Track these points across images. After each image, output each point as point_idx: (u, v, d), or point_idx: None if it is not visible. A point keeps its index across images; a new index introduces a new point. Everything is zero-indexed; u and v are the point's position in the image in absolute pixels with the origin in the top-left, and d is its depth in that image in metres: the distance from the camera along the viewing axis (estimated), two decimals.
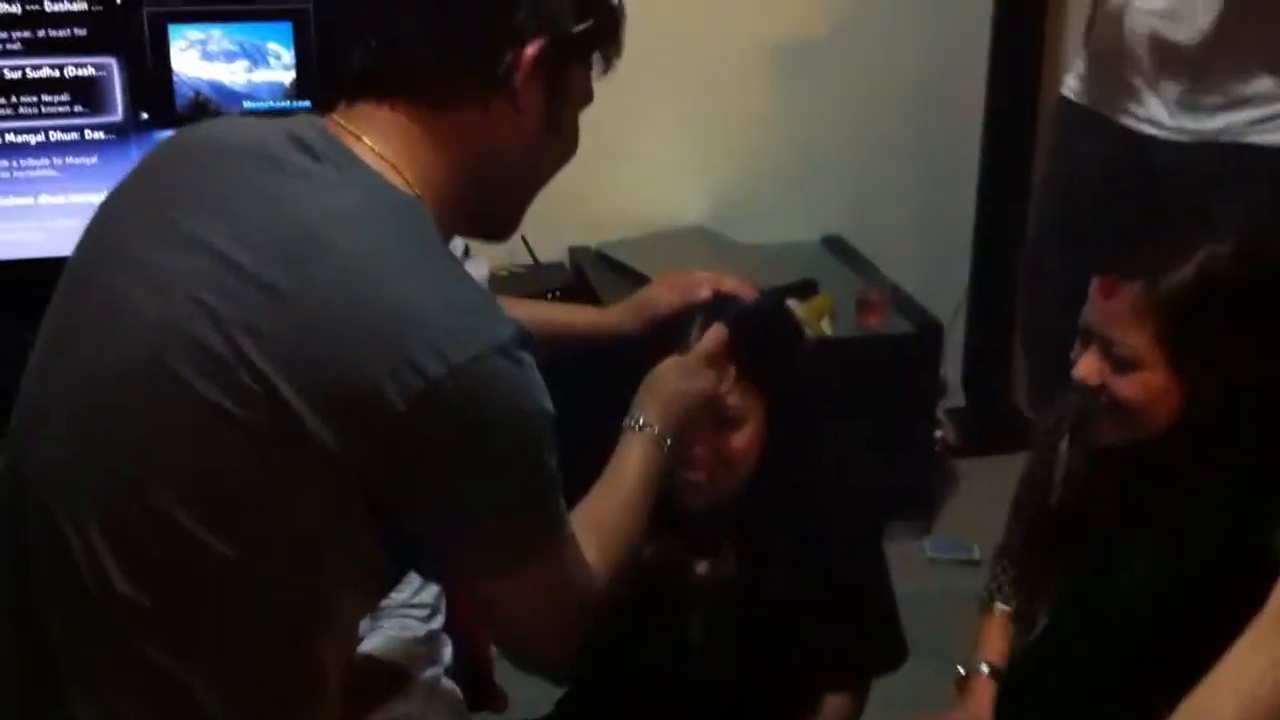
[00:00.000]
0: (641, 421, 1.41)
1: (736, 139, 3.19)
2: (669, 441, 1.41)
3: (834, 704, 1.67)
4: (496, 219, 1.28)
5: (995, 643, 1.79)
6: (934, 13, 3.17)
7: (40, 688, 1.14)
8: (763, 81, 3.15)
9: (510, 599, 1.18)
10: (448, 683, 1.77)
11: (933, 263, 3.28)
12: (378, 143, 1.16)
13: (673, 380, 1.45)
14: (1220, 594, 1.30)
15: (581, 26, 1.20)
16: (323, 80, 1.21)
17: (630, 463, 1.38)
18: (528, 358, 1.11)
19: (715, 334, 1.49)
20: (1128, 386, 1.51)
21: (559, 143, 1.24)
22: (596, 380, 1.51)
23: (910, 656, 1.74)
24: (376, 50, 1.18)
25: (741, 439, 1.53)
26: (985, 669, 1.76)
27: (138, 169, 1.25)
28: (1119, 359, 1.51)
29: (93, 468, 1.11)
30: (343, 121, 1.17)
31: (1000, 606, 1.81)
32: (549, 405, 1.13)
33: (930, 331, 2.86)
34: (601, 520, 1.30)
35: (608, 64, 1.26)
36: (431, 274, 1.10)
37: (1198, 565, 1.47)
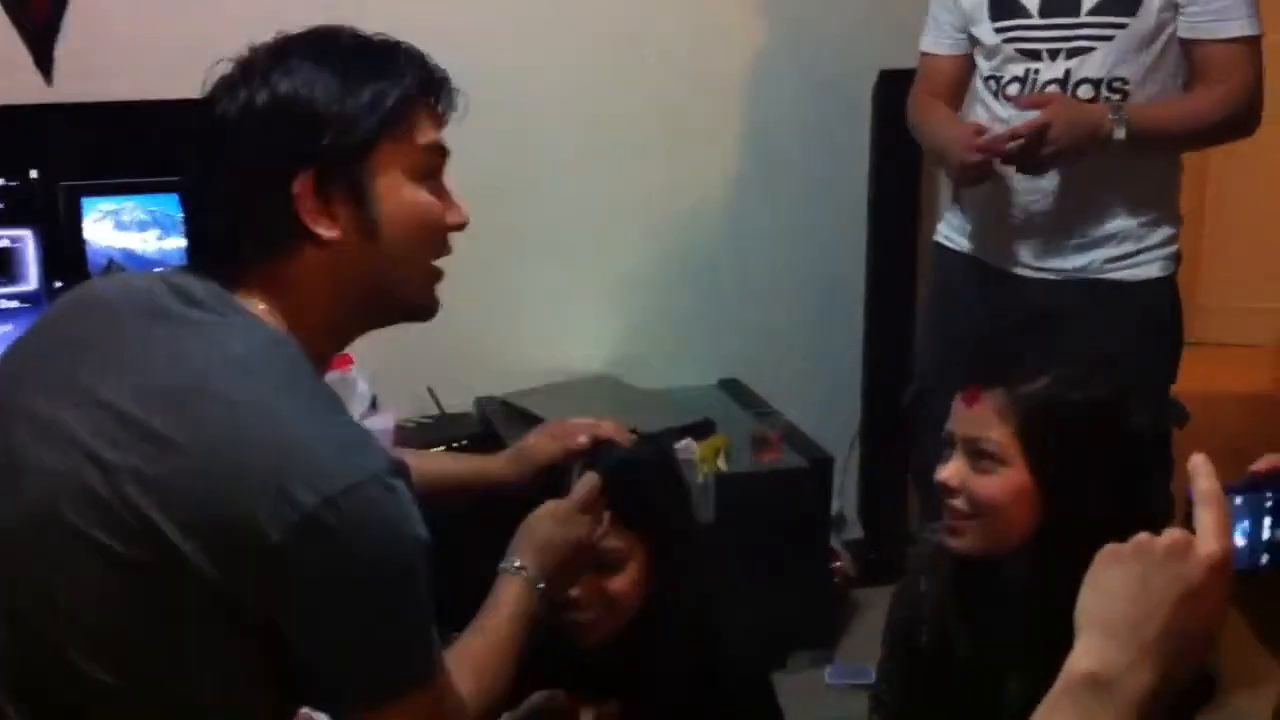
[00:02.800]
0: (517, 564, 1.45)
1: (638, 291, 3.30)
2: (542, 585, 1.44)
3: None
4: (404, 311, 1.30)
5: None
6: (817, 166, 3.33)
7: None
8: (658, 236, 3.28)
9: None
10: None
11: (826, 400, 3.39)
12: (241, 292, 1.21)
13: (548, 526, 1.49)
14: None
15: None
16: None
17: (504, 605, 1.41)
18: (401, 486, 1.14)
19: (588, 482, 1.54)
20: (989, 485, 1.60)
21: (416, 227, 1.24)
22: (476, 521, 1.54)
23: None
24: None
25: (622, 581, 1.58)
26: None
27: (36, 325, 1.30)
28: (982, 455, 1.60)
29: None
30: (210, 276, 1.22)
31: None
32: (424, 533, 1.15)
33: (822, 466, 2.95)
34: (474, 660, 1.32)
35: (439, 123, 1.25)
36: (309, 412, 1.14)
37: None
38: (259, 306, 1.21)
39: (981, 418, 1.62)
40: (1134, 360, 2.30)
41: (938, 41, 2.58)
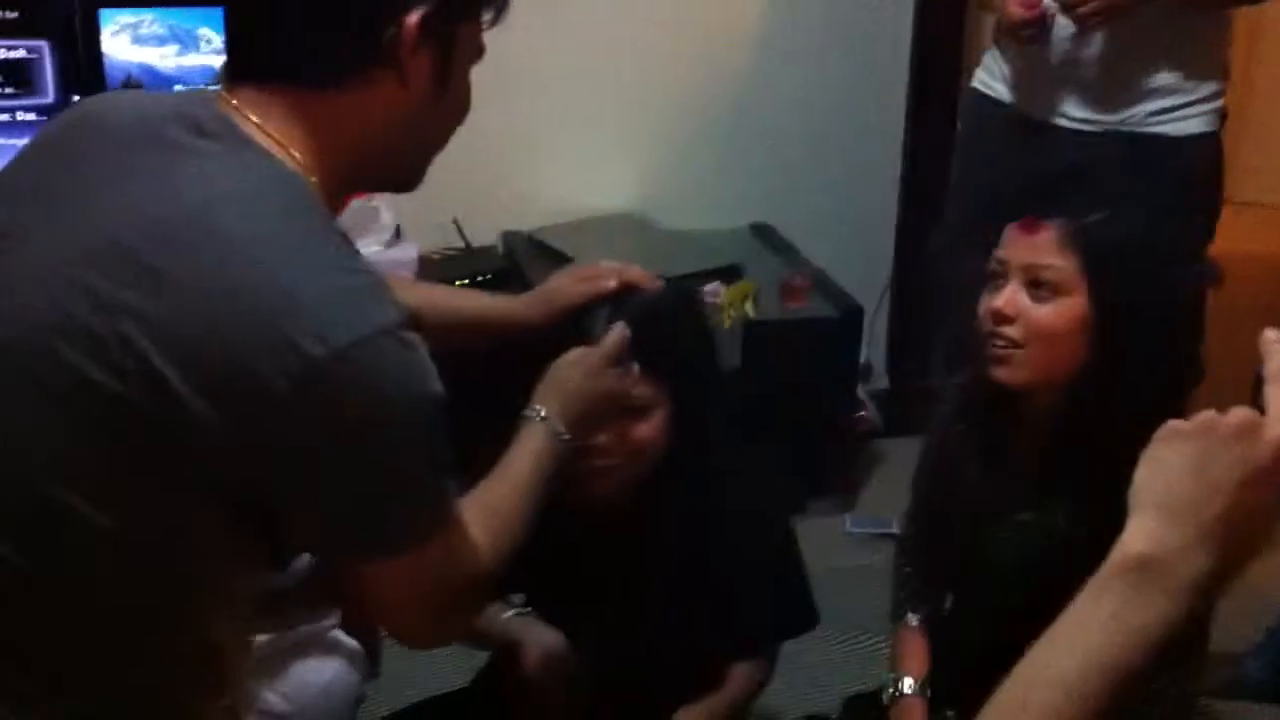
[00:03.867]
0: (542, 413, 1.41)
1: (666, 127, 3.22)
2: (566, 435, 1.41)
3: (741, 670, 1.71)
4: (397, 179, 1.28)
5: (914, 656, 1.78)
6: (860, 6, 3.23)
7: None
8: (692, 71, 3.19)
9: (394, 582, 1.16)
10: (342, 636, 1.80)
11: (858, 250, 3.33)
12: (266, 122, 1.14)
13: (575, 376, 1.45)
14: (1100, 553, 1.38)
15: None
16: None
17: (526, 452, 1.38)
18: (414, 339, 1.10)
19: (619, 334, 1.49)
20: (1047, 314, 1.56)
21: (450, 104, 1.22)
22: (500, 365, 1.50)
23: (829, 626, 1.79)
24: (259, 34, 1.16)
25: (647, 428, 1.55)
26: (909, 686, 1.74)
27: (36, 142, 1.23)
28: (1043, 283, 1.56)
29: None
30: (231, 99, 1.15)
31: (912, 617, 1.83)
32: (437, 387, 1.11)
33: (852, 315, 2.91)
34: (493, 506, 1.29)
35: (497, 16, 1.23)
36: (316, 256, 1.09)
37: (1083, 524, 1.54)
38: (278, 141, 1.14)
39: (1044, 246, 1.57)
40: (1172, 216, 2.25)
41: None
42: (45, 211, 1.13)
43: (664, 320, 1.60)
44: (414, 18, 1.13)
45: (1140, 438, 1.44)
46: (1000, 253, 1.62)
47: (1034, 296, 1.57)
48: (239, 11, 1.18)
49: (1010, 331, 1.58)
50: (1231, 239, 2.59)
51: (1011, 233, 1.61)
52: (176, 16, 2.60)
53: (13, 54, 2.54)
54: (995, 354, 1.60)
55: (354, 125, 1.17)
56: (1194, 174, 2.39)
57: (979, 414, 1.70)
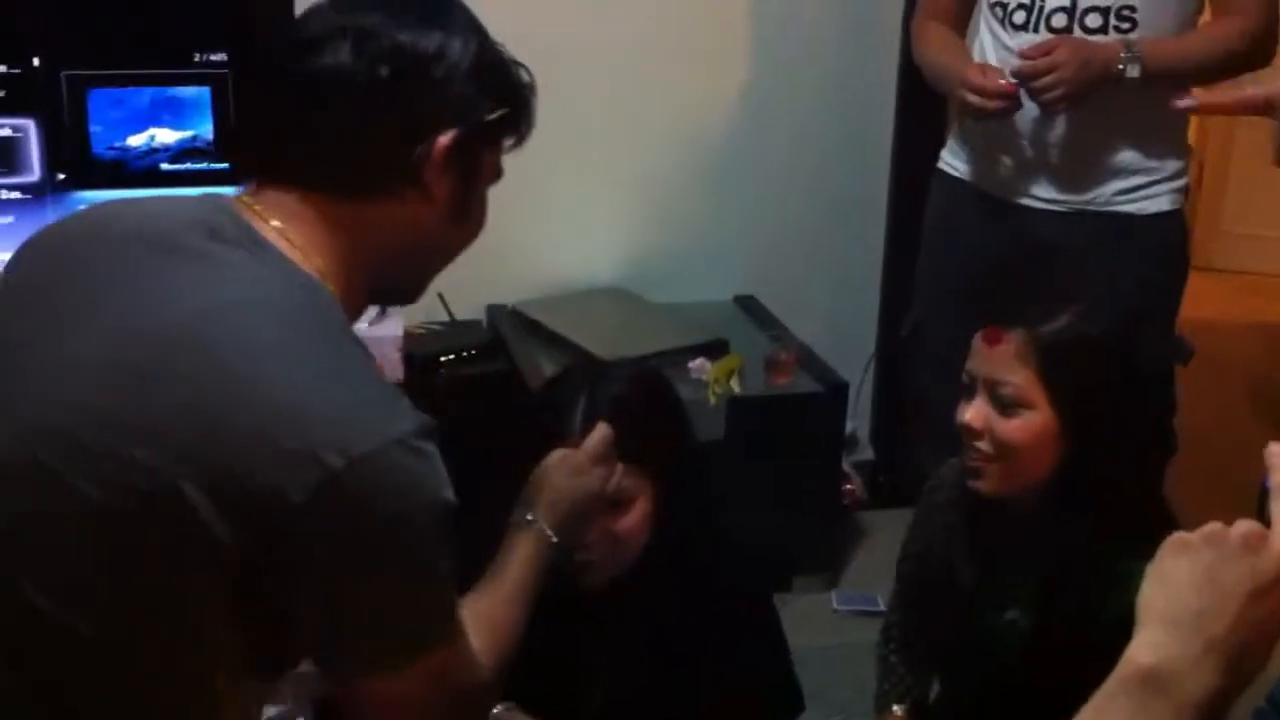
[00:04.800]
0: (529, 518, 1.41)
1: (651, 200, 3.24)
2: (555, 539, 1.41)
3: None
4: (404, 294, 1.29)
5: None
6: (843, 82, 3.25)
7: None
8: (676, 144, 3.21)
9: (397, 697, 1.14)
10: None
11: (843, 320, 3.35)
12: (287, 227, 1.14)
13: (560, 478, 1.45)
14: (1087, 649, 1.38)
15: (494, 115, 1.20)
16: (238, 157, 1.19)
17: (518, 559, 1.37)
18: (430, 449, 1.09)
19: (601, 433, 1.50)
20: (1013, 428, 1.59)
21: (468, 223, 1.24)
22: (482, 470, 1.48)
23: (815, 706, 1.78)
24: (290, 138, 1.16)
25: (631, 519, 1.56)
26: None
27: (38, 248, 1.22)
28: (1005, 399, 1.59)
29: None
30: (252, 203, 1.16)
31: (897, 708, 1.84)
32: (450, 496, 1.10)
33: (837, 390, 2.91)
34: (489, 616, 1.28)
35: (519, 141, 1.27)
36: (333, 367, 1.09)
37: (1070, 621, 1.54)
38: (299, 248, 1.14)
39: (1003, 360, 1.60)
40: (1139, 295, 2.30)
41: None
42: (52, 322, 1.12)
43: (639, 409, 1.61)
44: (445, 139, 1.16)
45: (1120, 530, 1.46)
46: (969, 364, 1.64)
47: (999, 409, 1.60)
48: (273, 114, 1.18)
49: (981, 445, 1.61)
50: (1211, 305, 2.62)
51: (976, 344, 1.64)
52: (164, 95, 2.61)
53: None
54: (970, 465, 1.63)
55: (376, 237, 1.18)
56: (1162, 251, 2.41)
57: (965, 512, 1.71)
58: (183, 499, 1.02)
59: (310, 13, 1.19)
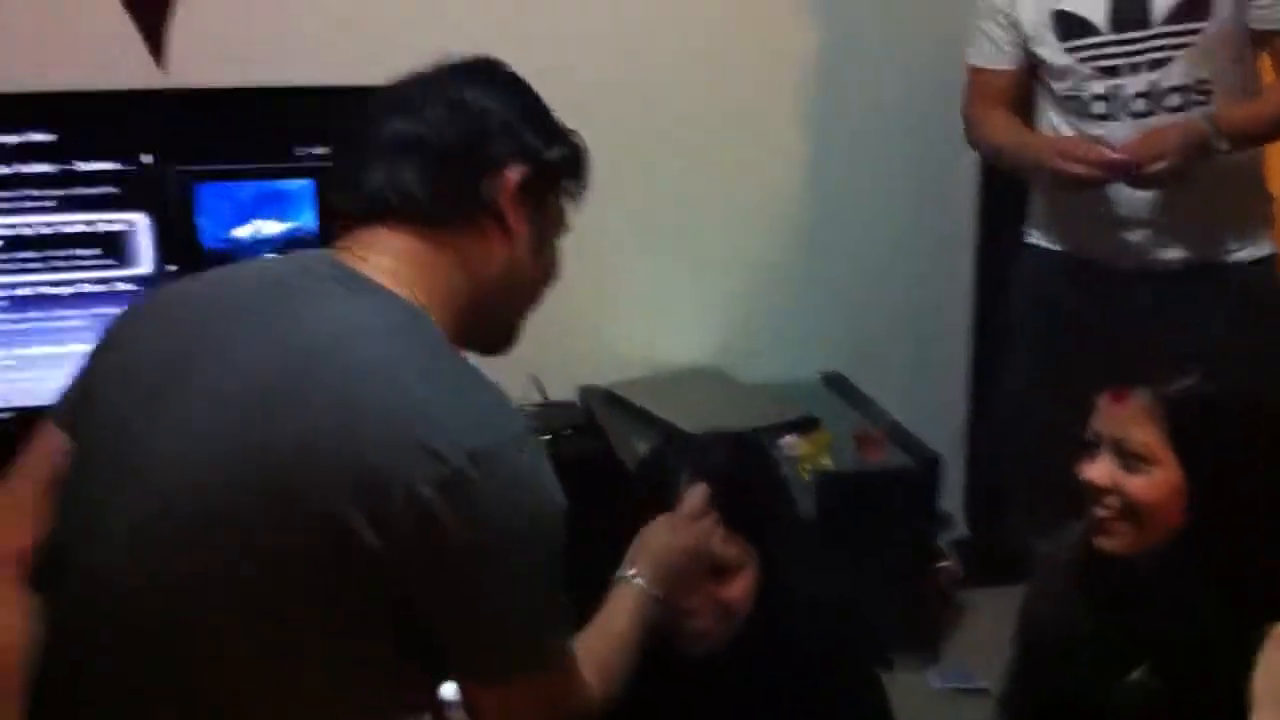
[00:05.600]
0: (632, 573, 1.46)
1: (742, 281, 3.27)
2: (658, 594, 1.46)
3: None
4: (492, 335, 1.35)
5: None
6: (927, 157, 3.27)
7: None
8: (763, 224, 3.25)
9: (513, 710, 1.20)
10: None
11: (932, 395, 3.35)
12: (383, 260, 1.24)
13: (662, 536, 1.51)
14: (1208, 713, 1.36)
15: (554, 155, 1.32)
16: (333, 209, 1.31)
17: (621, 610, 1.42)
18: (541, 449, 1.18)
19: (697, 493, 1.56)
20: (1140, 485, 1.59)
21: (544, 265, 1.34)
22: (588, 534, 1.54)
23: None
24: (378, 179, 1.26)
25: (737, 588, 1.58)
26: None
27: (152, 315, 1.31)
28: (1132, 457, 1.59)
29: (142, 596, 1.16)
30: (350, 247, 1.26)
31: None
32: (563, 498, 1.17)
33: (928, 465, 2.90)
34: (595, 652, 1.32)
35: (575, 199, 1.37)
36: (444, 372, 1.17)
37: (1193, 682, 1.52)
38: (397, 280, 1.23)
39: (1130, 417, 1.61)
40: (1246, 344, 2.29)
41: (996, 57, 2.52)
42: (187, 370, 1.19)
43: (740, 475, 1.63)
44: (513, 174, 1.28)
45: (1245, 594, 1.44)
46: (1093, 423, 1.64)
47: (1126, 467, 1.60)
48: (349, 156, 1.28)
49: (1108, 502, 1.60)
50: None
51: (1102, 402, 1.64)
52: (269, 188, 2.70)
53: (111, 227, 2.65)
54: (1098, 524, 1.63)
55: (465, 271, 1.27)
56: (1261, 298, 2.42)
57: (1086, 573, 1.70)
58: (335, 514, 1.09)
59: (393, 83, 1.34)
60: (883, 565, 2.83)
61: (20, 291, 2.62)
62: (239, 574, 1.13)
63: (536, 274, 1.33)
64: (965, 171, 3.27)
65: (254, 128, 2.69)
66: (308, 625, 1.13)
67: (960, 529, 3.42)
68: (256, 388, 1.15)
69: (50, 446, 1.30)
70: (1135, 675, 1.62)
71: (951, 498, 3.39)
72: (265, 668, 1.14)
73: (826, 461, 2.78)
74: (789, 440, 2.81)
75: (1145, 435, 1.59)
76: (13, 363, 2.63)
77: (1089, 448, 1.65)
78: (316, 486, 1.10)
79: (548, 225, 1.33)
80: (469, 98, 1.29)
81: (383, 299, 1.21)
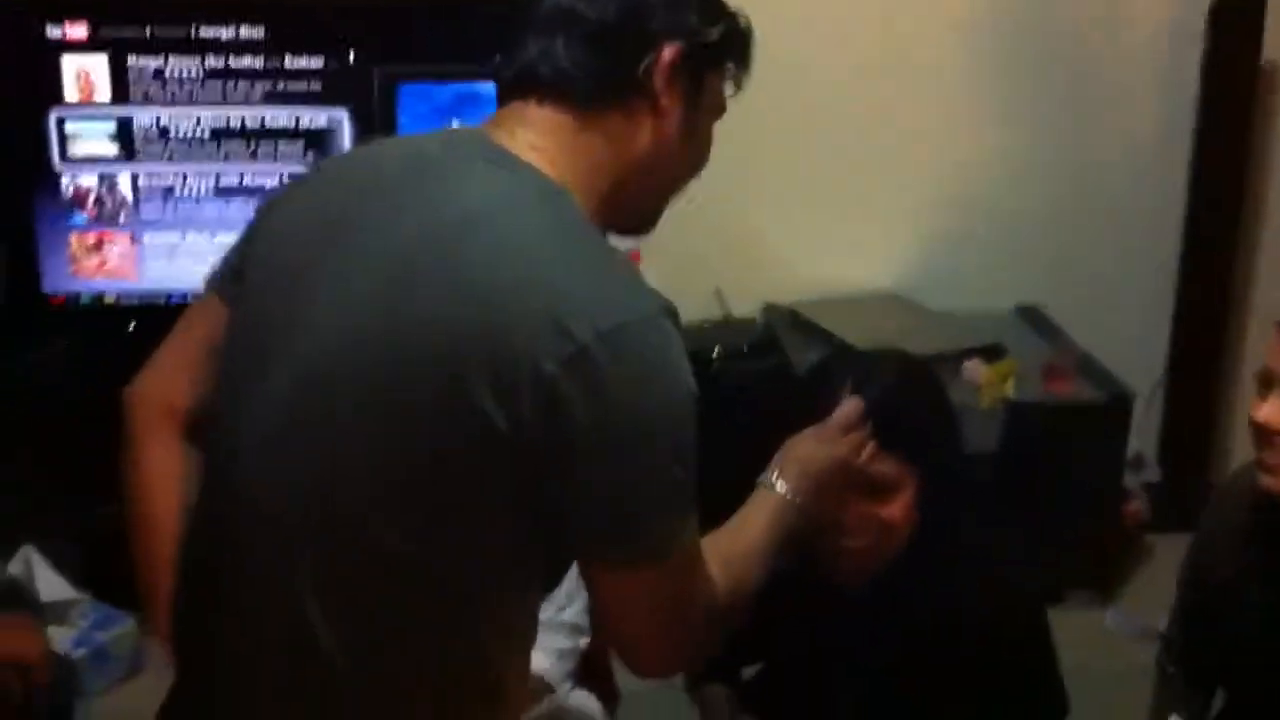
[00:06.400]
0: (776, 479, 1.42)
1: (934, 206, 3.20)
2: (798, 500, 1.41)
3: None
4: (635, 217, 1.33)
5: None
6: (1141, 91, 3.16)
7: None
8: (962, 148, 3.17)
9: (635, 596, 1.18)
10: (583, 695, 1.84)
11: (1131, 335, 3.22)
12: (530, 136, 1.22)
13: (808, 444, 1.46)
14: None
15: (715, 34, 1.27)
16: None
17: (759, 513, 1.38)
18: (673, 329, 1.14)
19: (851, 405, 1.50)
20: None
21: (693, 150, 1.30)
22: (734, 439, 1.51)
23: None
24: (532, 54, 1.23)
25: (895, 508, 1.54)
26: None
27: (306, 190, 1.33)
28: None
29: (289, 473, 1.17)
30: (501, 123, 1.24)
31: (1174, 718, 1.76)
32: (692, 382, 1.14)
33: (1119, 402, 2.80)
34: (726, 555, 1.28)
35: (738, 84, 1.32)
36: (582, 252, 1.16)
37: None
38: (544, 157, 1.22)
39: None
40: None
41: None
42: (335, 245, 1.21)
43: (903, 399, 1.59)
44: (669, 52, 1.24)
45: None
46: (1267, 360, 1.55)
47: None
48: (515, 29, 1.26)
49: (1278, 443, 1.51)
50: None
51: (1275, 337, 1.55)
52: (467, 89, 2.74)
53: (316, 122, 2.73)
54: (1267, 463, 1.53)
55: (612, 150, 1.25)
56: None
57: (1258, 518, 1.62)
58: (466, 391, 1.09)
59: None
60: (1066, 501, 2.76)
61: (226, 180, 2.73)
62: (381, 452, 1.14)
63: (684, 156, 1.30)
64: (1182, 103, 3.12)
65: (455, 30, 2.72)
66: (449, 508, 1.14)
67: (1154, 472, 3.30)
68: (400, 261, 1.15)
69: (209, 313, 1.33)
70: None
71: (1147, 440, 3.27)
72: (406, 551, 1.15)
73: (1009, 391, 2.71)
74: (970, 366, 2.75)
75: None
76: (216, 248, 2.73)
77: (1262, 385, 1.55)
78: (451, 362, 1.10)
79: (703, 107, 1.29)
80: None
81: (526, 176, 1.19)
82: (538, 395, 1.08)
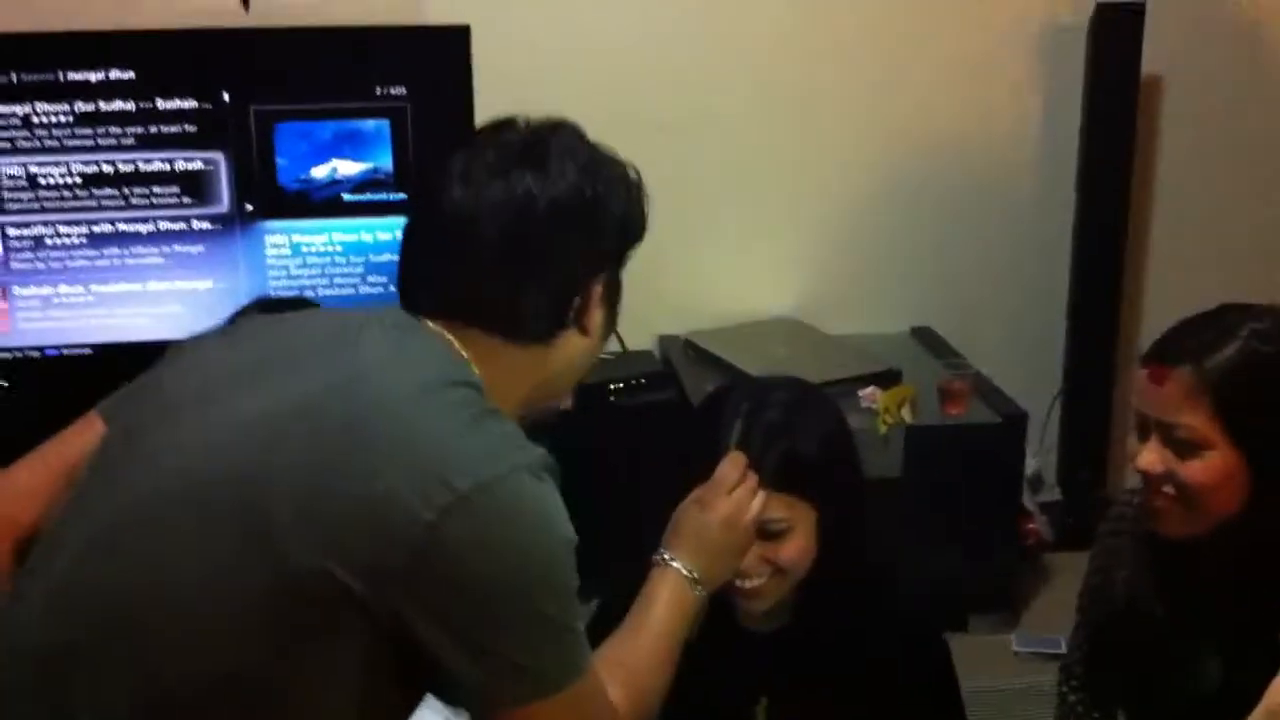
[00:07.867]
0: (667, 556, 1.39)
1: (827, 231, 3.21)
2: (697, 576, 1.39)
3: None
4: (553, 402, 1.32)
5: None
6: (1028, 112, 3.19)
7: None
8: (855, 173, 3.18)
9: None
10: None
11: (1027, 355, 3.25)
12: (457, 339, 1.20)
13: (696, 516, 1.43)
14: None
15: (629, 234, 1.26)
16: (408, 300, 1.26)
17: (657, 600, 1.36)
18: (551, 482, 1.14)
19: (730, 461, 1.46)
20: (1194, 471, 1.45)
21: (605, 335, 1.30)
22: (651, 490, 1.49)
23: None
24: (457, 282, 1.21)
25: (790, 549, 1.50)
26: None
27: (224, 338, 1.32)
28: (1182, 443, 1.46)
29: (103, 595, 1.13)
30: (428, 320, 1.22)
31: None
32: (571, 532, 1.14)
33: (1015, 422, 2.81)
34: (627, 660, 1.27)
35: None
36: (467, 410, 1.14)
37: (1261, 662, 1.43)
38: (464, 351, 1.21)
39: (1173, 400, 1.46)
40: None
41: None
42: (236, 386, 1.19)
43: (798, 425, 1.56)
44: (597, 288, 1.24)
45: None
46: (1136, 403, 1.52)
47: (1177, 452, 1.47)
48: (442, 256, 1.22)
49: (1163, 489, 1.49)
50: None
51: (1141, 383, 1.50)
52: (346, 128, 2.69)
53: (190, 165, 2.66)
54: (1152, 508, 1.52)
55: (537, 366, 1.24)
56: None
57: (1151, 548, 1.60)
58: (326, 575, 1.06)
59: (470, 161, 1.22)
60: (966, 524, 2.75)
61: (99, 229, 2.65)
62: (225, 587, 1.10)
63: (599, 345, 1.29)
64: (1068, 125, 3.15)
65: (333, 66, 2.67)
66: (302, 655, 1.10)
67: (1054, 491, 3.31)
68: (289, 410, 1.14)
69: (86, 431, 1.31)
70: (1205, 651, 1.52)
71: (1047, 460, 3.29)
72: (248, 685, 1.10)
73: (906, 415, 2.70)
74: (868, 392, 2.74)
75: (1191, 419, 1.44)
76: (91, 299, 2.66)
77: (1140, 430, 1.52)
78: (315, 513, 1.08)
79: (615, 301, 1.28)
80: (553, 229, 1.20)
81: (433, 345, 1.19)
82: (411, 546, 1.07)
